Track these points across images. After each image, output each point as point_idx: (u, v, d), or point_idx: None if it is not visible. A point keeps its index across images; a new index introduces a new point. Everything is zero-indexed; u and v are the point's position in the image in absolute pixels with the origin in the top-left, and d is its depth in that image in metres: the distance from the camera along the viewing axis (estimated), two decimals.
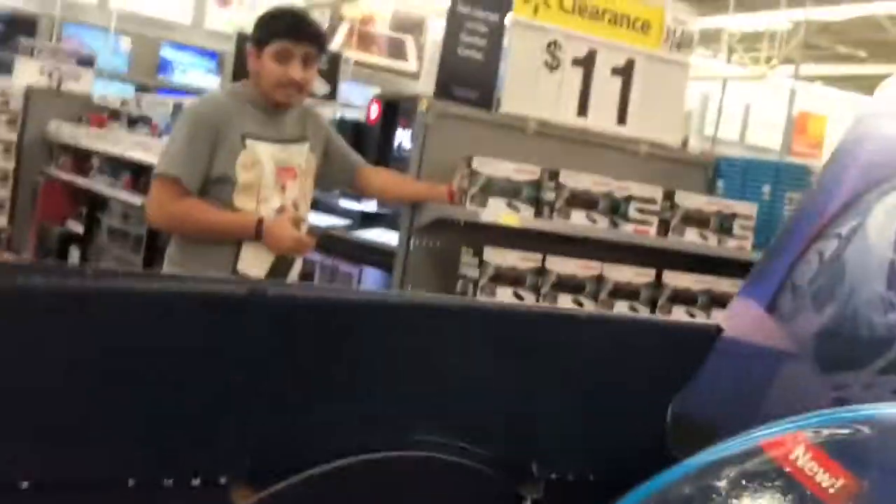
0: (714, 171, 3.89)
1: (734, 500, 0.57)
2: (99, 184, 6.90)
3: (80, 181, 7.22)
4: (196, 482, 0.68)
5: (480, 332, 0.77)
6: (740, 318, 0.90)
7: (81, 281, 0.62)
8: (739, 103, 20.33)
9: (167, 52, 17.40)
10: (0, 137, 10.05)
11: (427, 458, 0.75)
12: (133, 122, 7.18)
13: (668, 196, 3.40)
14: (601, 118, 3.54)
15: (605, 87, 3.53)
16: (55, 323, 0.61)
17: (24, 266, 0.78)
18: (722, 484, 0.59)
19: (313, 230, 2.90)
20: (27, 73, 10.05)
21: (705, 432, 0.78)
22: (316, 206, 3.23)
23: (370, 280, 4.04)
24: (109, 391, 0.63)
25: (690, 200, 3.44)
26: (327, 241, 3.73)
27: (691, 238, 3.43)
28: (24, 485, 0.62)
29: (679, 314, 3.41)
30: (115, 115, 7.73)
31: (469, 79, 3.48)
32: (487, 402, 0.78)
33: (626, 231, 3.31)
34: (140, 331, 0.63)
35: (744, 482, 0.58)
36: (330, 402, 0.71)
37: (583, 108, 3.51)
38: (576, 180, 3.21)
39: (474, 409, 0.77)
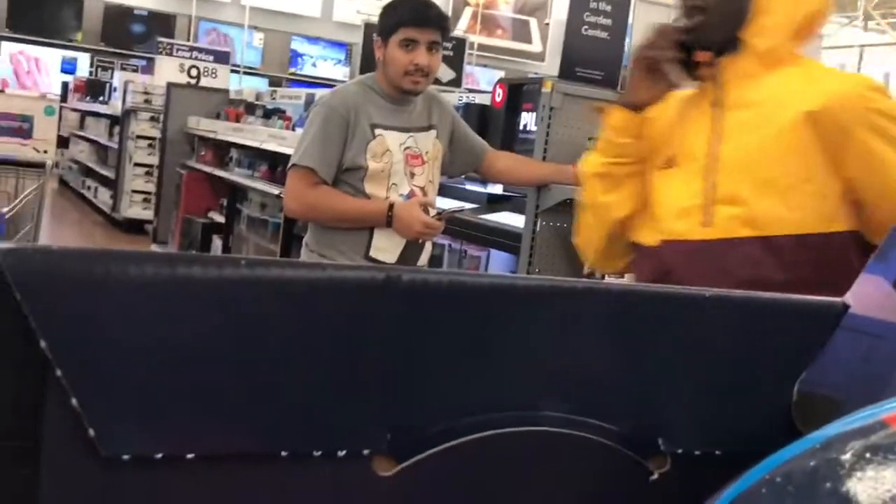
0: None
1: (858, 473, 0.58)
2: (237, 175, 7.18)
3: (220, 173, 7.53)
4: (342, 454, 0.73)
5: (606, 312, 0.80)
6: (867, 295, 0.89)
7: (237, 270, 0.68)
8: (879, 72, 19.47)
9: (298, 46, 17.87)
10: (145, 133, 10.60)
11: (555, 434, 0.78)
12: (268, 114, 7.43)
13: None
14: None
15: None
16: (214, 309, 0.68)
17: (184, 256, 0.85)
18: (846, 456, 0.60)
19: (441, 214, 2.96)
20: (167, 71, 10.53)
21: (832, 410, 0.78)
22: (443, 191, 3.29)
23: (497, 262, 4.08)
24: (264, 373, 0.69)
25: None
26: (455, 226, 3.79)
27: None
28: (191, 456, 0.69)
29: None
30: (250, 108, 8.01)
31: (594, 59, 3.47)
32: (613, 381, 0.80)
33: None
34: (288, 315, 0.69)
35: (867, 455, 0.59)
36: (461, 381, 0.76)
37: None
38: None
39: (600, 387, 0.80)
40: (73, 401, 0.64)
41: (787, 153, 1.73)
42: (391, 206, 2.78)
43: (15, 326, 0.64)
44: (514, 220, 3.70)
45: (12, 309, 0.63)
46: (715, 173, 1.79)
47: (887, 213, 1.71)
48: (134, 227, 10.59)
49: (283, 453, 0.71)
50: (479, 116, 4.38)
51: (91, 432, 0.65)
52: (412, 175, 2.86)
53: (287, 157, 3.04)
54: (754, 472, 0.65)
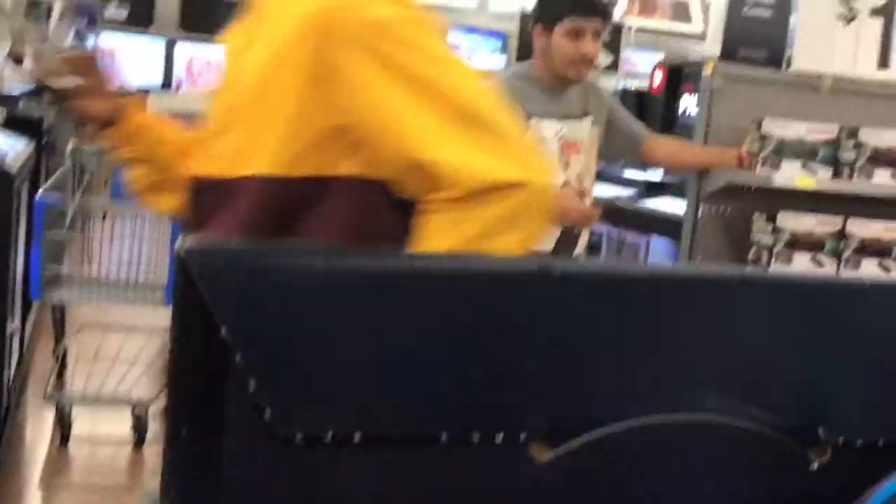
0: None
1: None
2: None
3: None
4: (499, 438, 0.76)
5: (768, 301, 0.79)
6: None
7: (397, 262, 0.72)
8: None
9: (454, 36, 18.05)
10: None
11: (714, 423, 0.78)
12: None
13: None
14: None
15: None
16: (377, 298, 0.72)
17: (346, 250, 0.89)
18: None
19: (597, 202, 2.95)
20: None
21: None
22: (601, 176, 3.26)
23: (658, 250, 4.02)
24: (425, 358, 0.73)
25: None
26: (614, 213, 3.75)
27: None
28: (357, 437, 0.73)
29: None
30: None
31: (757, 38, 3.35)
32: (773, 369, 0.79)
33: None
34: (446, 304, 0.72)
35: None
36: (617, 369, 0.77)
37: (883, 60, 3.29)
38: (878, 137, 3.02)
39: (759, 375, 0.79)
40: (251, 383, 0.70)
41: (266, 77, 1.39)
42: None
43: (199, 316, 0.69)
44: (674, 206, 3.64)
45: (196, 301, 0.69)
46: (218, 97, 1.52)
47: (390, 154, 1.28)
48: None
49: (444, 436, 0.74)
50: (636, 102, 4.32)
51: (267, 413, 0.70)
52: (567, 164, 2.85)
53: None
54: None
